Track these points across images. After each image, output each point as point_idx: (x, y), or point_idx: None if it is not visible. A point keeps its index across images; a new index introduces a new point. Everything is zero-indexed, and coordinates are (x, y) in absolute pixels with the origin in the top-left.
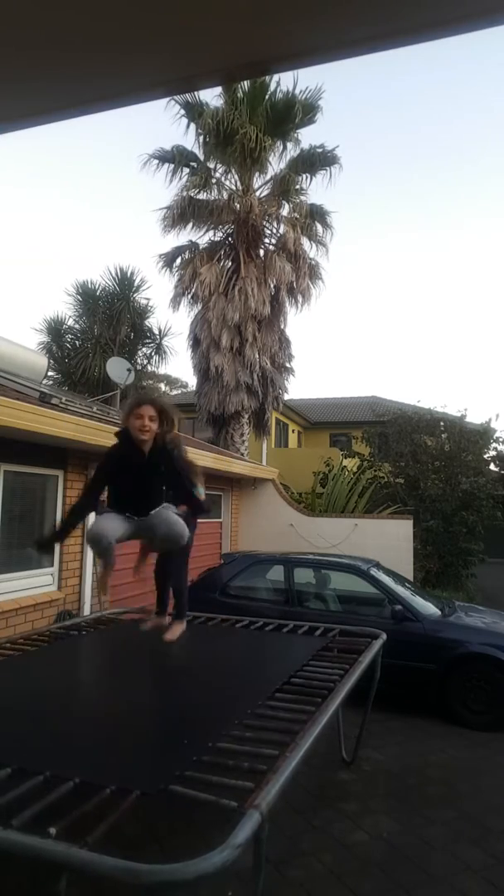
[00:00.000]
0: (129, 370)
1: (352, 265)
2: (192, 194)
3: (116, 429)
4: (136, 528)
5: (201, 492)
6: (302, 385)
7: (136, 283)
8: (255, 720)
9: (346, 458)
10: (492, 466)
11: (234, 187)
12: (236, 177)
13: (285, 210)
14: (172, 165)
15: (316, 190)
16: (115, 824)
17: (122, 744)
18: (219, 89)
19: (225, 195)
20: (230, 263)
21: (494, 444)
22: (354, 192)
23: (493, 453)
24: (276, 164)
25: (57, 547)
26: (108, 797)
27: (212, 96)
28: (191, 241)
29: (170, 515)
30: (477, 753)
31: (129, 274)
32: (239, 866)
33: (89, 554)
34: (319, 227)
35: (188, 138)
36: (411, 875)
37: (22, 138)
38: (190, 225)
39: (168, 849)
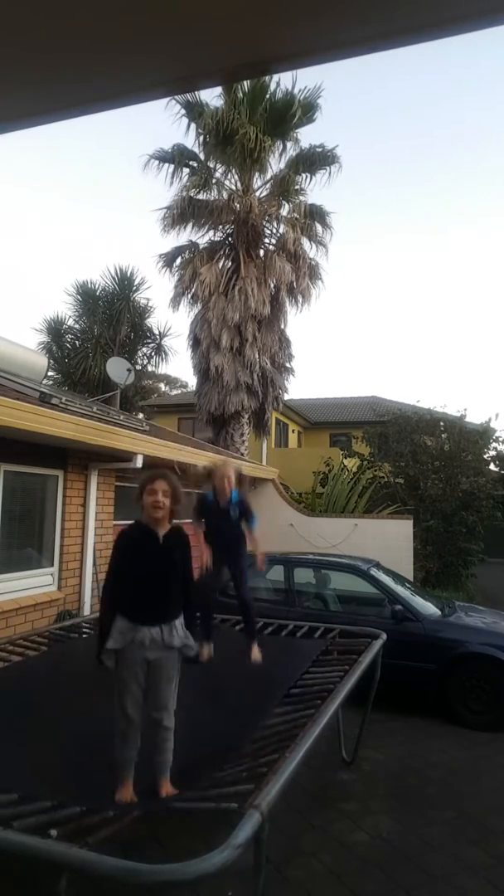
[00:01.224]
0: (129, 370)
1: (352, 265)
2: (192, 194)
3: (116, 429)
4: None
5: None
6: (302, 385)
7: (136, 283)
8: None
9: (346, 458)
10: (492, 466)
11: (234, 187)
12: (236, 177)
13: (285, 210)
14: (172, 165)
15: (316, 190)
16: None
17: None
18: (219, 89)
19: (225, 195)
20: (230, 263)
21: (494, 444)
22: (354, 191)
23: (492, 453)
24: (276, 163)
25: (57, 550)
26: (109, 817)
27: (212, 96)
28: (191, 241)
29: (172, 671)
30: (477, 753)
31: (129, 274)
32: (239, 866)
33: (89, 554)
34: (319, 227)
35: (188, 138)
36: (411, 875)
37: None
38: (190, 225)
39: (168, 849)
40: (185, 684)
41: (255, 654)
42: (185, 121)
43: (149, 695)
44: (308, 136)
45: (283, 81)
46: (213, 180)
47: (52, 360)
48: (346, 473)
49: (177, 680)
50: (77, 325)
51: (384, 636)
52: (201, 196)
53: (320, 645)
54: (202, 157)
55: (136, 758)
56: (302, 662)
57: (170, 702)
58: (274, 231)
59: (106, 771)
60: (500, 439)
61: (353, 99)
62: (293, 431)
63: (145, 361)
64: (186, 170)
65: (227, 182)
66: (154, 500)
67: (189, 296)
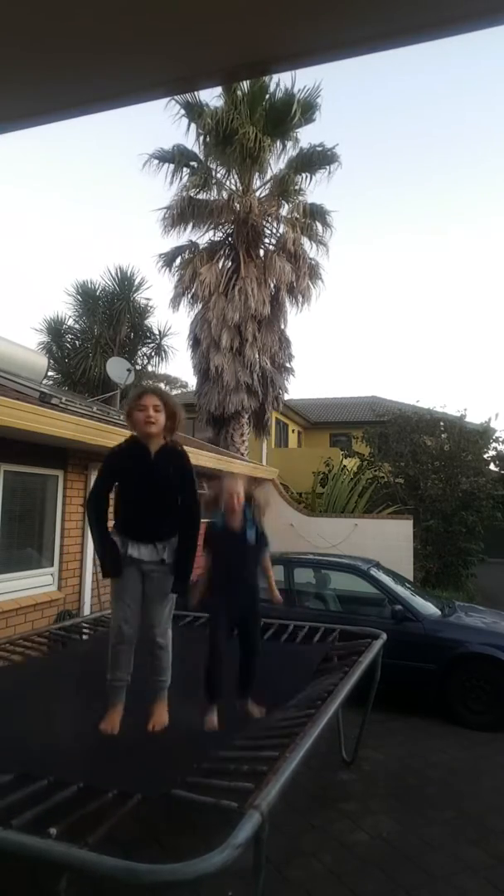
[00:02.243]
0: (129, 370)
1: (352, 265)
2: (192, 194)
3: (116, 429)
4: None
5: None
6: (302, 385)
7: (136, 283)
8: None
9: (346, 458)
10: (491, 466)
11: (233, 187)
12: (236, 177)
13: (285, 210)
14: (172, 165)
15: (316, 189)
16: (116, 825)
17: (124, 749)
18: (219, 89)
19: (225, 195)
20: (230, 263)
21: (494, 444)
22: (354, 191)
23: (492, 453)
24: (276, 163)
25: (57, 550)
26: (109, 801)
27: (212, 96)
28: (191, 241)
29: (165, 610)
30: (477, 753)
31: (129, 274)
32: (239, 866)
33: (89, 554)
34: (319, 227)
35: (188, 138)
36: (411, 875)
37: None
38: (190, 225)
39: (168, 849)
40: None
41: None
42: (185, 121)
43: (144, 611)
44: (308, 135)
45: (282, 81)
46: (213, 180)
47: (52, 360)
48: (346, 473)
49: (173, 598)
50: (77, 325)
51: (384, 636)
52: (201, 196)
53: (321, 650)
54: (202, 157)
55: (128, 681)
56: (304, 675)
57: (164, 619)
58: (274, 231)
59: (107, 758)
60: (500, 439)
61: (353, 99)
62: (293, 431)
63: (145, 361)
64: (186, 170)
65: (227, 182)
66: (146, 416)
67: (189, 296)
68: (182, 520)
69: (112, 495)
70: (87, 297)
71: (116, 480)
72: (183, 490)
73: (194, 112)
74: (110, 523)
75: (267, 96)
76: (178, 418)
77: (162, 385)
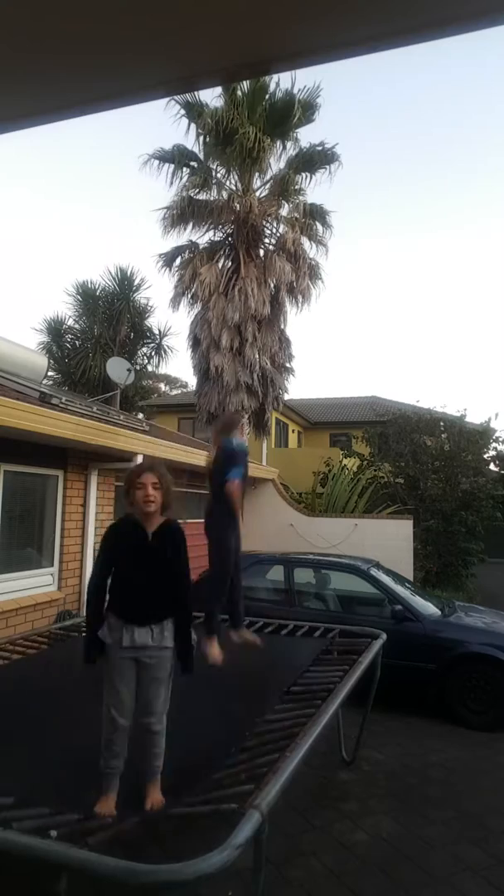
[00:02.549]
0: (129, 370)
1: (352, 265)
2: (192, 194)
3: (116, 429)
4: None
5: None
6: (302, 385)
7: (136, 283)
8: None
9: (346, 458)
10: (491, 466)
11: (233, 187)
12: (236, 177)
13: (285, 210)
14: (172, 165)
15: (316, 189)
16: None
17: (124, 769)
18: (219, 89)
19: (225, 195)
20: (230, 263)
21: (494, 444)
22: (355, 191)
23: (492, 453)
24: (276, 163)
25: (57, 550)
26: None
27: (212, 96)
28: (191, 241)
29: (160, 687)
30: (477, 753)
31: (129, 274)
32: (239, 866)
33: (89, 554)
34: (319, 227)
35: (188, 138)
36: (411, 875)
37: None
38: (190, 225)
39: (168, 849)
40: (184, 683)
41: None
42: (185, 121)
43: (139, 698)
44: (308, 135)
45: (282, 81)
46: (213, 180)
47: (52, 360)
48: (346, 473)
49: (169, 683)
50: (77, 325)
51: (384, 636)
52: (201, 196)
53: (321, 644)
54: (202, 157)
55: (122, 768)
56: (302, 662)
57: (160, 705)
58: (274, 231)
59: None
60: (500, 439)
61: (353, 99)
62: (293, 431)
63: (145, 361)
64: (186, 170)
65: (227, 182)
66: (145, 495)
67: (189, 296)
68: (177, 599)
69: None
70: (87, 297)
71: (114, 562)
72: (178, 566)
73: (194, 112)
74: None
75: (267, 96)
76: (172, 493)
77: (161, 385)
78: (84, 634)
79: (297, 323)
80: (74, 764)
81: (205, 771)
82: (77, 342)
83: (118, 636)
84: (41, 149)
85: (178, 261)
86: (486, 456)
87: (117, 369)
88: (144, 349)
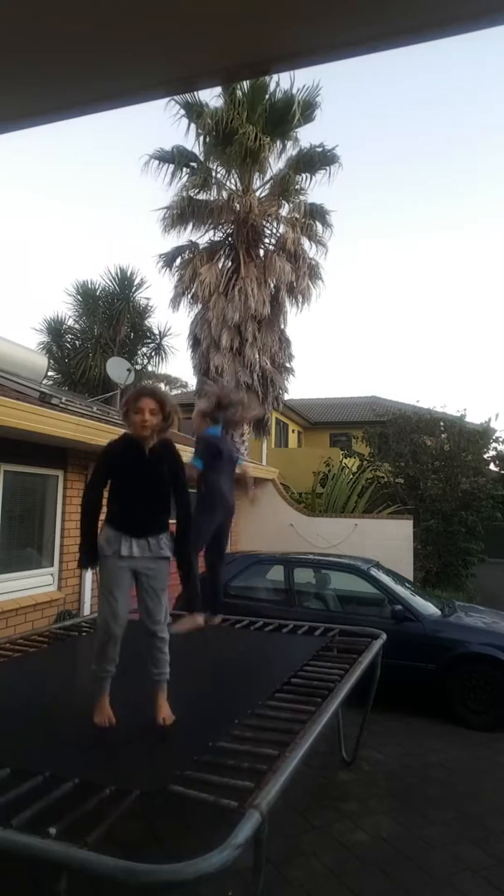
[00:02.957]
0: (129, 370)
1: (352, 265)
2: (192, 194)
3: (116, 429)
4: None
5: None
6: (302, 385)
7: (136, 283)
8: (255, 720)
9: (346, 458)
10: (491, 466)
11: (233, 187)
12: (236, 177)
13: (285, 210)
14: (172, 166)
15: (316, 189)
16: (115, 824)
17: (122, 744)
18: (218, 89)
19: (225, 195)
20: (230, 263)
21: (494, 444)
22: (355, 191)
23: (492, 453)
24: (276, 163)
25: (57, 550)
26: (107, 797)
27: (211, 96)
28: (191, 241)
29: (161, 603)
30: (477, 753)
31: (129, 274)
32: (239, 866)
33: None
34: (319, 227)
35: (188, 139)
36: (411, 875)
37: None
38: (190, 225)
39: (168, 849)
40: (184, 676)
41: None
42: (185, 121)
43: (140, 607)
44: (308, 136)
45: (282, 81)
46: (213, 180)
47: (52, 360)
48: (346, 473)
49: (167, 592)
50: (77, 325)
51: (384, 636)
52: (201, 196)
53: (320, 642)
54: (202, 157)
55: (114, 672)
56: (302, 656)
57: (161, 614)
58: (274, 231)
59: (105, 772)
60: (500, 439)
61: (353, 99)
62: (293, 431)
63: (145, 361)
64: (186, 170)
65: (226, 182)
66: (141, 420)
67: (189, 296)
68: (179, 517)
69: (105, 491)
70: (87, 297)
71: (111, 477)
72: (176, 487)
73: (194, 112)
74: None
75: (267, 96)
76: (173, 419)
77: (162, 385)
78: (81, 543)
79: (297, 323)
80: (76, 763)
81: (207, 743)
82: (77, 342)
83: (116, 547)
84: (41, 149)
85: (178, 261)
86: (486, 456)
87: (117, 369)
88: (144, 349)
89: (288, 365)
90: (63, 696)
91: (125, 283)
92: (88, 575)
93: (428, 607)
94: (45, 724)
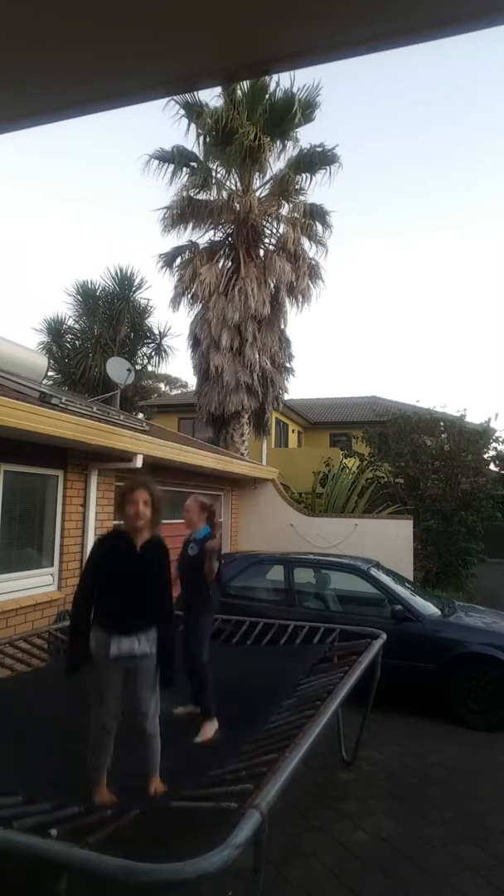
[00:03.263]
0: (129, 370)
1: (352, 265)
2: (192, 194)
3: (116, 429)
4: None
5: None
6: (302, 385)
7: (136, 283)
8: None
9: (346, 458)
10: (491, 466)
11: (233, 187)
12: (236, 177)
13: (285, 210)
14: (172, 165)
15: (316, 189)
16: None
17: (123, 764)
18: (218, 89)
19: (225, 195)
20: (230, 263)
21: (494, 444)
22: (354, 191)
23: (492, 453)
24: (276, 163)
25: (57, 550)
26: (108, 816)
27: (211, 96)
28: (191, 241)
29: (148, 689)
30: (477, 753)
31: (129, 274)
32: (239, 866)
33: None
34: (319, 227)
35: (188, 139)
36: (411, 875)
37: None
38: (190, 225)
39: (168, 849)
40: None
41: (206, 732)
42: (185, 121)
43: (131, 704)
44: (308, 135)
45: (282, 81)
46: (213, 180)
47: (52, 360)
48: (346, 473)
49: (157, 688)
50: (77, 325)
51: (384, 636)
52: (201, 196)
53: (319, 651)
54: (202, 157)
55: (109, 762)
56: (302, 671)
57: (151, 709)
58: (274, 231)
59: (107, 777)
60: (500, 439)
61: (353, 99)
62: (293, 431)
63: (145, 361)
64: (186, 170)
65: (226, 182)
66: (135, 511)
67: (189, 296)
68: (160, 609)
69: None
70: (87, 297)
71: (100, 574)
72: (160, 580)
73: (194, 112)
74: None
75: (267, 96)
76: (161, 511)
77: (161, 385)
78: (73, 644)
79: (297, 323)
80: (74, 763)
81: (204, 769)
82: (77, 342)
83: (106, 648)
84: (41, 149)
85: (178, 261)
86: (486, 456)
87: (117, 369)
88: (144, 349)
89: (288, 365)
90: (60, 713)
91: (125, 283)
92: None
93: (428, 607)
94: (45, 746)
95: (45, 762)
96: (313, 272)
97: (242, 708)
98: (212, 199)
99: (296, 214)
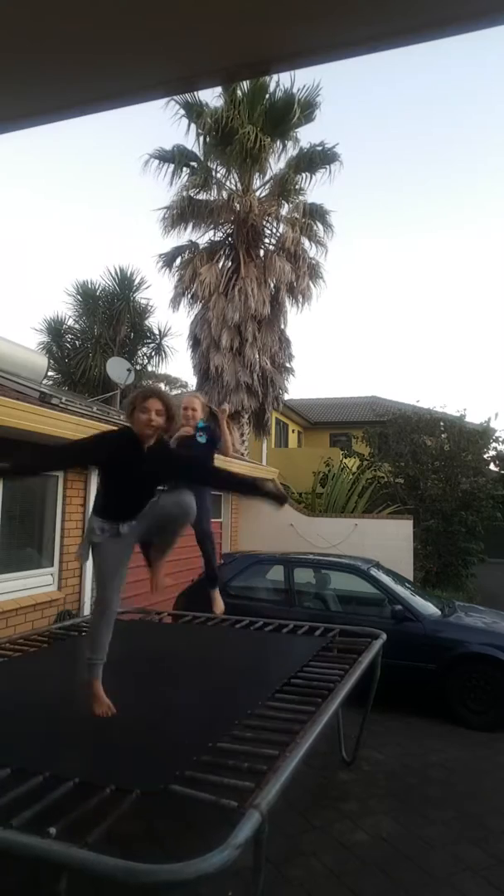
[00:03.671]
0: (129, 370)
1: (352, 265)
2: (192, 194)
3: (116, 428)
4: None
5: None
6: (302, 385)
7: (136, 283)
8: (255, 720)
9: (346, 458)
10: (491, 466)
11: (233, 187)
12: (236, 176)
13: (285, 210)
14: (172, 165)
15: (316, 189)
16: (116, 824)
17: (122, 744)
18: (219, 89)
19: (225, 195)
20: (230, 263)
21: (494, 444)
22: (355, 191)
23: (492, 453)
24: (276, 163)
25: (57, 550)
26: (107, 797)
27: (211, 96)
28: (191, 241)
29: (166, 500)
30: (477, 753)
31: (129, 274)
32: (239, 866)
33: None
34: (319, 227)
35: (189, 138)
36: (411, 875)
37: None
38: (190, 225)
39: (168, 849)
40: (184, 676)
41: (218, 604)
42: (185, 121)
43: (172, 524)
44: (308, 135)
45: (282, 81)
46: (213, 180)
47: (52, 360)
48: (346, 473)
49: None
50: (77, 325)
51: (384, 636)
52: (201, 196)
53: (321, 642)
54: (202, 156)
55: (105, 659)
56: (303, 656)
57: (193, 508)
58: (274, 231)
59: (105, 752)
60: (500, 439)
61: (353, 99)
62: (293, 431)
63: (145, 361)
64: (186, 170)
65: (226, 182)
66: (147, 419)
67: (189, 296)
68: (184, 474)
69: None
70: (87, 297)
71: (103, 468)
72: (172, 474)
73: (194, 112)
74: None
75: (267, 96)
76: (176, 421)
77: (162, 385)
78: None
79: (297, 323)
80: (75, 763)
81: (207, 743)
82: (77, 342)
83: (109, 532)
84: (41, 149)
85: (178, 261)
86: (486, 456)
87: (117, 369)
88: (144, 349)
89: (288, 365)
90: (63, 696)
91: (125, 283)
92: (88, 575)
93: (428, 607)
94: (45, 724)
95: (37, 736)
96: (313, 272)
97: (244, 685)
98: (212, 198)
99: (296, 214)
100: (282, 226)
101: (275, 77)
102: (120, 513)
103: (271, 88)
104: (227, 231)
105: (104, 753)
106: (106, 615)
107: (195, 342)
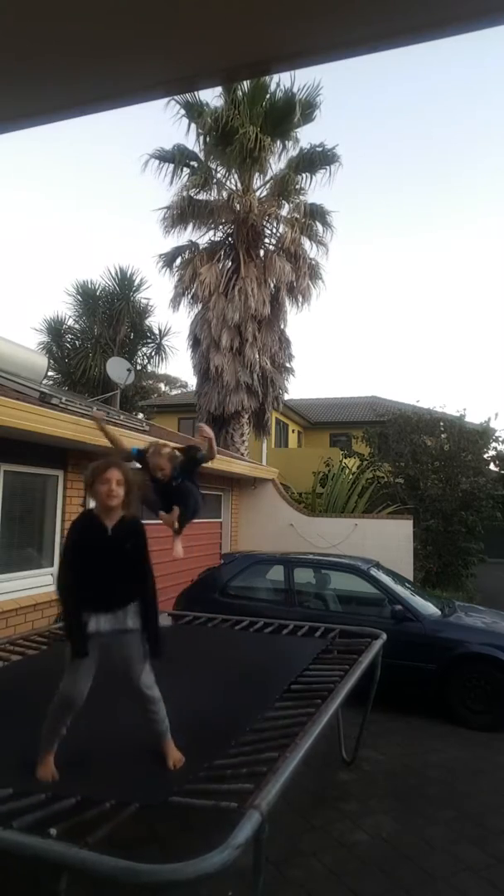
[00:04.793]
0: (129, 370)
1: (352, 265)
2: (192, 194)
3: (115, 428)
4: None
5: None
6: (302, 385)
7: (136, 283)
8: (255, 722)
9: (346, 458)
10: (491, 466)
11: (233, 187)
12: (236, 176)
13: (285, 210)
14: (173, 165)
15: (316, 189)
16: (116, 827)
17: (122, 756)
18: (219, 89)
19: (225, 195)
20: (230, 263)
21: (494, 444)
22: (355, 190)
23: (492, 453)
24: (276, 163)
25: (57, 550)
26: (107, 810)
27: (212, 96)
28: (191, 241)
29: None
30: (477, 753)
31: (129, 274)
32: (239, 866)
33: None
34: (319, 227)
35: (189, 139)
36: (411, 875)
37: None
38: (190, 225)
39: (168, 849)
40: (184, 684)
41: (178, 548)
42: (185, 121)
43: (125, 678)
44: (308, 135)
45: (282, 81)
46: (213, 180)
47: (52, 360)
48: (346, 473)
49: (144, 659)
50: (77, 325)
51: (384, 636)
52: (201, 196)
53: (321, 644)
54: (202, 156)
55: (63, 734)
56: (303, 661)
57: (144, 677)
58: (274, 231)
59: (105, 769)
60: (500, 439)
61: (353, 98)
62: (293, 431)
63: (145, 361)
64: (186, 170)
65: (226, 182)
66: (108, 490)
67: (189, 296)
68: (141, 590)
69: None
70: (87, 297)
71: (76, 557)
72: (138, 558)
73: (194, 112)
74: None
75: (267, 96)
76: (135, 492)
77: (161, 385)
78: (72, 629)
79: (297, 323)
80: (74, 761)
81: (205, 762)
82: (77, 342)
83: (85, 627)
84: (41, 149)
85: (178, 261)
86: (486, 456)
87: (117, 369)
88: (144, 349)
89: (288, 365)
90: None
91: (125, 283)
92: None
93: (428, 607)
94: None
95: (35, 754)
96: (313, 272)
97: (243, 692)
98: (212, 199)
99: (296, 214)
100: (282, 226)
101: (275, 77)
102: (91, 598)
103: (271, 88)
104: (227, 231)
105: (102, 768)
106: (62, 705)
107: (195, 342)
